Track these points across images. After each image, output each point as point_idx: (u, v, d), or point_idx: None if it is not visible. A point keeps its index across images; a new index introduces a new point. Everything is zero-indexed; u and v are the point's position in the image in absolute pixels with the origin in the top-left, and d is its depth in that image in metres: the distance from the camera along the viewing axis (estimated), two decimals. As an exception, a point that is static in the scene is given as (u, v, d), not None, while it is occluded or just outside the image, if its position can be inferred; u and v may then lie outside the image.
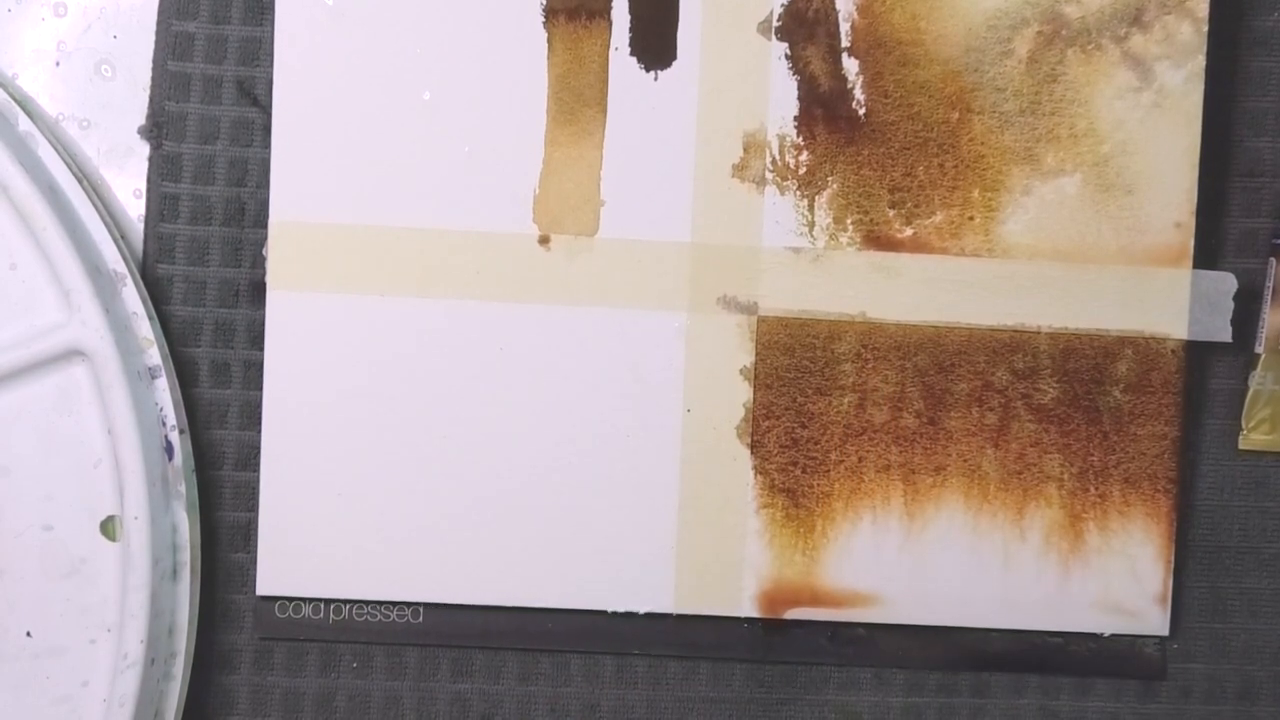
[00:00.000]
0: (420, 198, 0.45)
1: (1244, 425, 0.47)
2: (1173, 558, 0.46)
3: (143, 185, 0.46)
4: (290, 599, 0.46)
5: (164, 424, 0.44)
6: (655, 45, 0.45)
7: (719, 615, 0.46)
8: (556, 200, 0.45)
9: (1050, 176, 0.45)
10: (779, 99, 0.45)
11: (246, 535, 0.46)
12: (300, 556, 0.45)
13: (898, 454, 0.46)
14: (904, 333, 0.46)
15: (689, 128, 0.45)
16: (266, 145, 0.45)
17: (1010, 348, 0.46)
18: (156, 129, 0.46)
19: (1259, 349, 0.47)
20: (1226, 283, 0.46)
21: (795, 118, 0.45)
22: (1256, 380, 0.47)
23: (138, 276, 0.45)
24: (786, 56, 0.45)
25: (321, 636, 0.46)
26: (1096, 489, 0.46)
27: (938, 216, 0.45)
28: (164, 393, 0.44)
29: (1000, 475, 0.46)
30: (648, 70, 0.45)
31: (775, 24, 0.45)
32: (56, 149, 0.44)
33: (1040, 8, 0.45)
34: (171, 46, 0.46)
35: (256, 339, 0.46)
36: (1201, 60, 0.45)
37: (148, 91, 0.46)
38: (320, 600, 0.46)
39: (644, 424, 0.45)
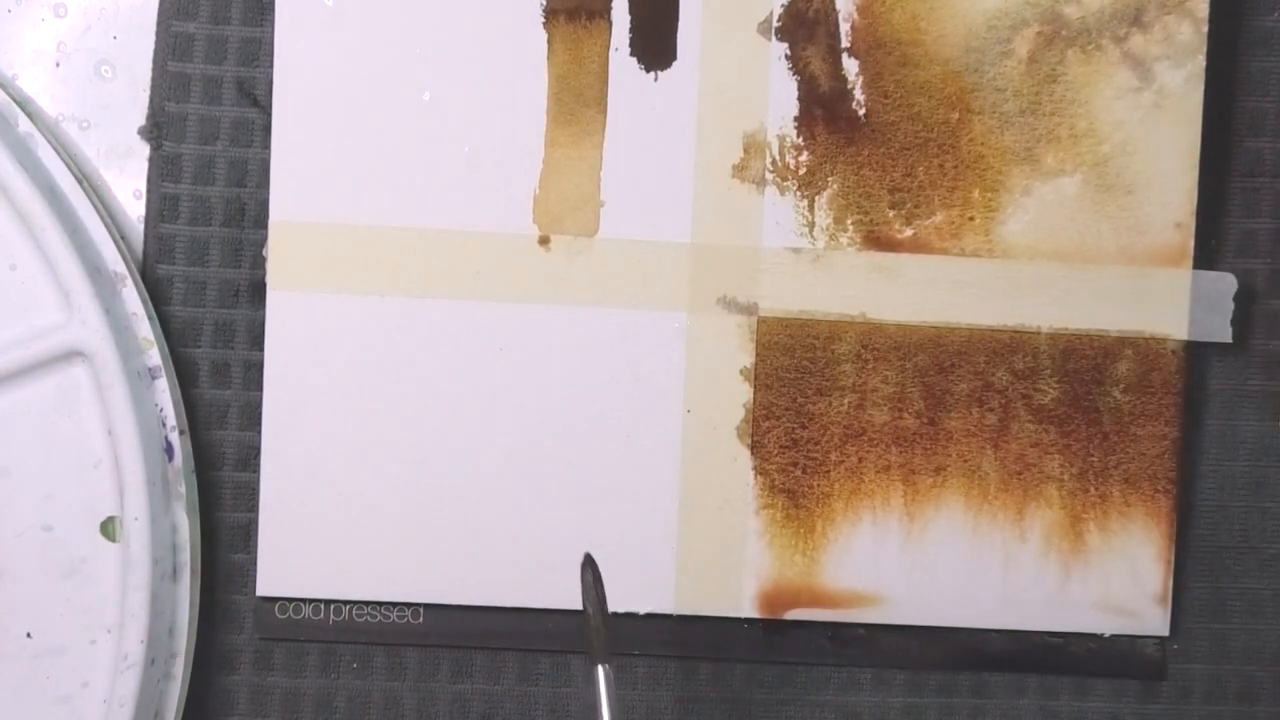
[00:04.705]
0: (420, 198, 0.45)
1: None
2: (1173, 558, 0.46)
3: (143, 186, 0.46)
4: (290, 600, 0.46)
5: (164, 425, 0.44)
6: (655, 45, 0.45)
7: (719, 616, 0.46)
8: (556, 200, 0.45)
9: (1050, 177, 0.45)
10: (779, 99, 0.45)
11: (246, 536, 0.46)
12: (300, 557, 0.45)
13: (898, 455, 0.46)
14: (904, 333, 0.46)
15: (689, 128, 0.45)
16: (266, 145, 0.45)
17: (1010, 348, 0.46)
18: (156, 129, 0.46)
19: None
20: (1226, 283, 0.46)
21: (795, 118, 0.45)
22: None
23: (138, 277, 0.45)
24: (786, 57, 0.45)
25: (321, 637, 0.46)
26: (1096, 489, 0.46)
27: (938, 217, 0.45)
28: (164, 393, 0.44)
29: (1000, 476, 0.46)
30: (648, 70, 0.45)
31: (775, 24, 0.45)
32: (56, 150, 0.44)
33: (1040, 8, 0.45)
34: (171, 47, 0.46)
35: (256, 339, 0.46)
36: (1201, 60, 0.45)
37: (148, 92, 0.46)
38: (320, 601, 0.46)
39: (644, 424, 0.45)
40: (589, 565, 0.40)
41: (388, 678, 0.46)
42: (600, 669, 0.39)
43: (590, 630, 0.39)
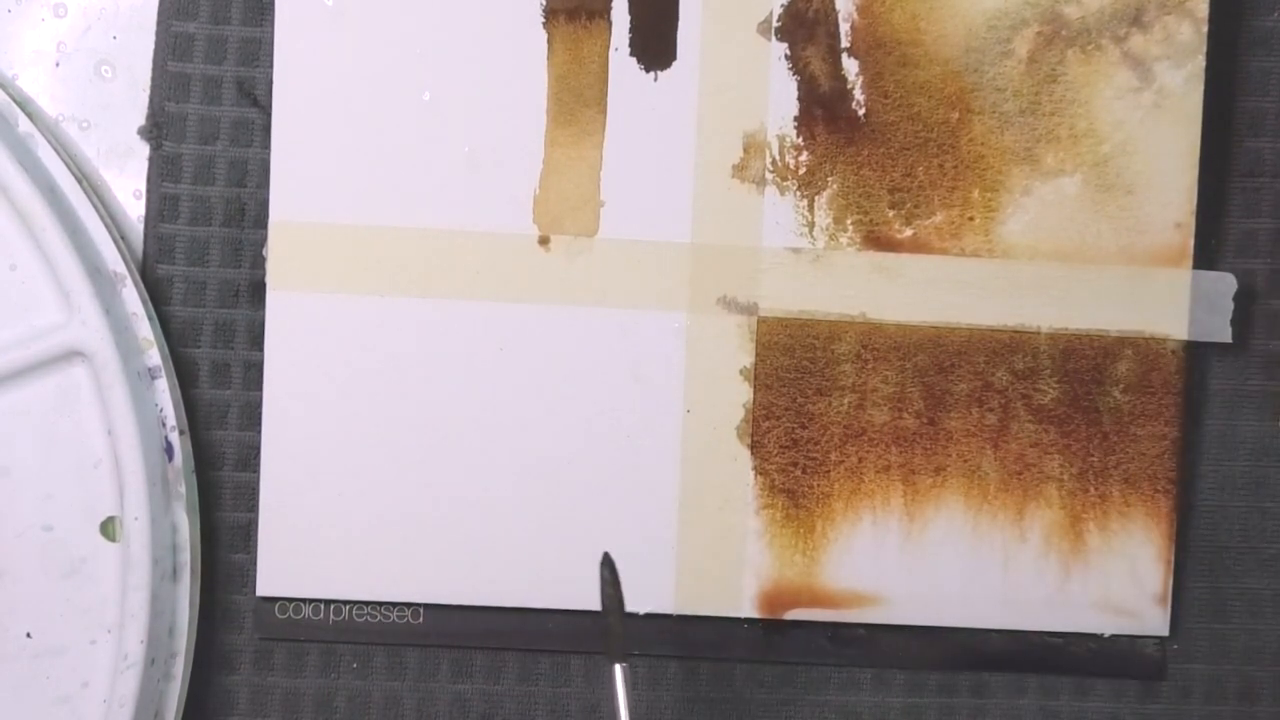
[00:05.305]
0: (420, 198, 0.45)
1: None
2: (1173, 558, 0.46)
3: (143, 186, 0.46)
4: (290, 600, 0.46)
5: (164, 425, 0.44)
6: (655, 45, 0.45)
7: (719, 615, 0.46)
8: (556, 200, 0.45)
9: (1050, 177, 0.45)
10: (779, 99, 0.45)
11: (246, 536, 0.46)
12: (300, 557, 0.45)
13: (898, 455, 0.46)
14: (904, 333, 0.46)
15: (689, 128, 0.45)
16: (266, 145, 0.45)
17: (1010, 348, 0.46)
18: (156, 129, 0.46)
19: None
20: (1226, 283, 0.46)
21: (795, 118, 0.45)
22: None
23: (138, 277, 0.45)
24: (786, 57, 0.45)
25: (321, 637, 0.46)
26: (1096, 489, 0.46)
27: (938, 217, 0.45)
28: (164, 393, 0.44)
29: (1000, 476, 0.46)
30: (648, 70, 0.45)
31: (775, 24, 0.45)
32: (56, 150, 0.44)
33: (1040, 8, 0.45)
34: (171, 47, 0.46)
35: (256, 339, 0.46)
36: (1201, 60, 0.45)
37: (148, 92, 0.46)
38: (320, 601, 0.46)
39: (644, 424, 0.45)
40: (607, 565, 0.40)
41: (388, 678, 0.46)
42: (618, 668, 0.39)
43: (608, 629, 0.40)
